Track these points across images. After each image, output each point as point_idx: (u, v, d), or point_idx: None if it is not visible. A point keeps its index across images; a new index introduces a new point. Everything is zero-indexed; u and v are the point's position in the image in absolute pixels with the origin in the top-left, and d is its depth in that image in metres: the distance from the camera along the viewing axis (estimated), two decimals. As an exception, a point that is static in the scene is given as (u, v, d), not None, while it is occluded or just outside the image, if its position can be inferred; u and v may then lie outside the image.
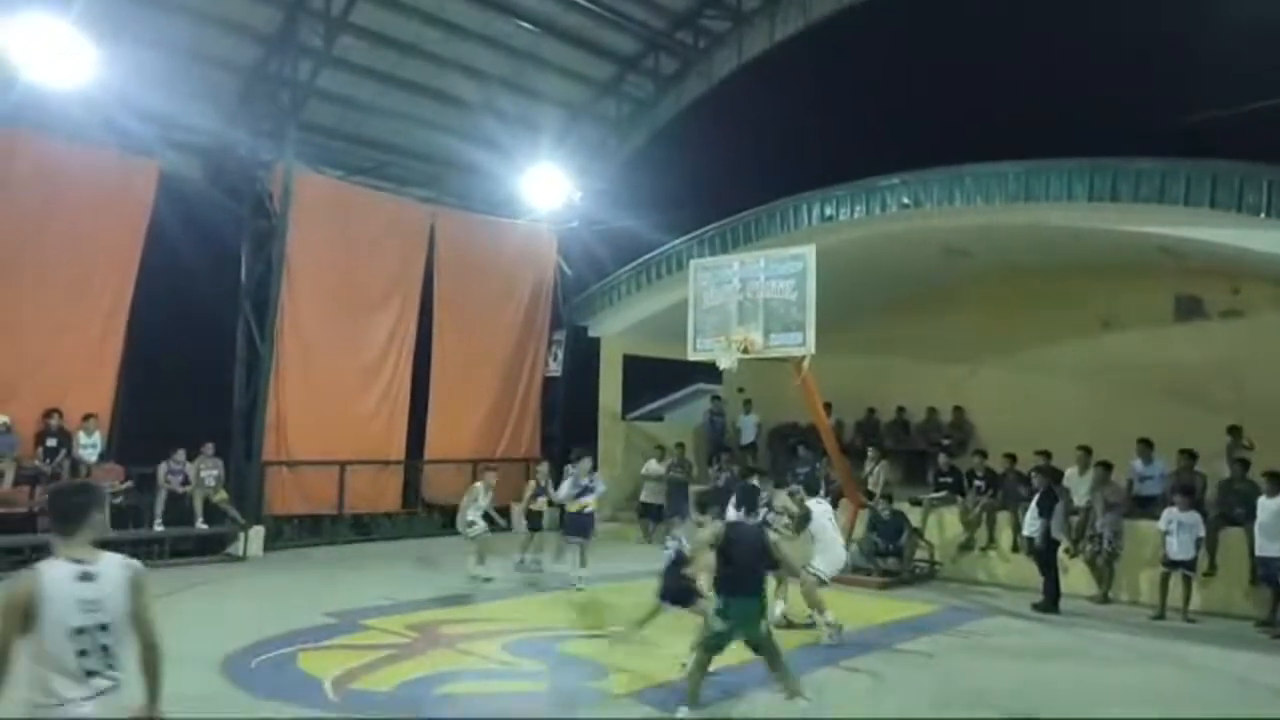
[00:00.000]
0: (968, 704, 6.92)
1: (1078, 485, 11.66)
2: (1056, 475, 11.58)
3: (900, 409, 16.48)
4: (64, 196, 12.56)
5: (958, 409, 15.75)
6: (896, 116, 18.45)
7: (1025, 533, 11.27)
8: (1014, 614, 10.50)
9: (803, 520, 9.37)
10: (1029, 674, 8.06)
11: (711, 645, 6.36)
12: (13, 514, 11.80)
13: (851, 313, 14.90)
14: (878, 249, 14.07)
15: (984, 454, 13.47)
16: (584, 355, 18.18)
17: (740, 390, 17.60)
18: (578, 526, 11.48)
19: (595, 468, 12.32)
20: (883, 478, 13.73)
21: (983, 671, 7.90)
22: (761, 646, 6.38)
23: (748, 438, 17.25)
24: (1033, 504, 11.09)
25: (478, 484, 12.09)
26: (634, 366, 18.10)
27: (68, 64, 11.70)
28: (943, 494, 13.36)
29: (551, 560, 12.50)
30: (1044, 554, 10.95)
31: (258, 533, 13.55)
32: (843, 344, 13.87)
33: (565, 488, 11.57)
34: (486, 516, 11.93)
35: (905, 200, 13.32)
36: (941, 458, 13.95)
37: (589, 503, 11.50)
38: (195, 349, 13.94)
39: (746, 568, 6.34)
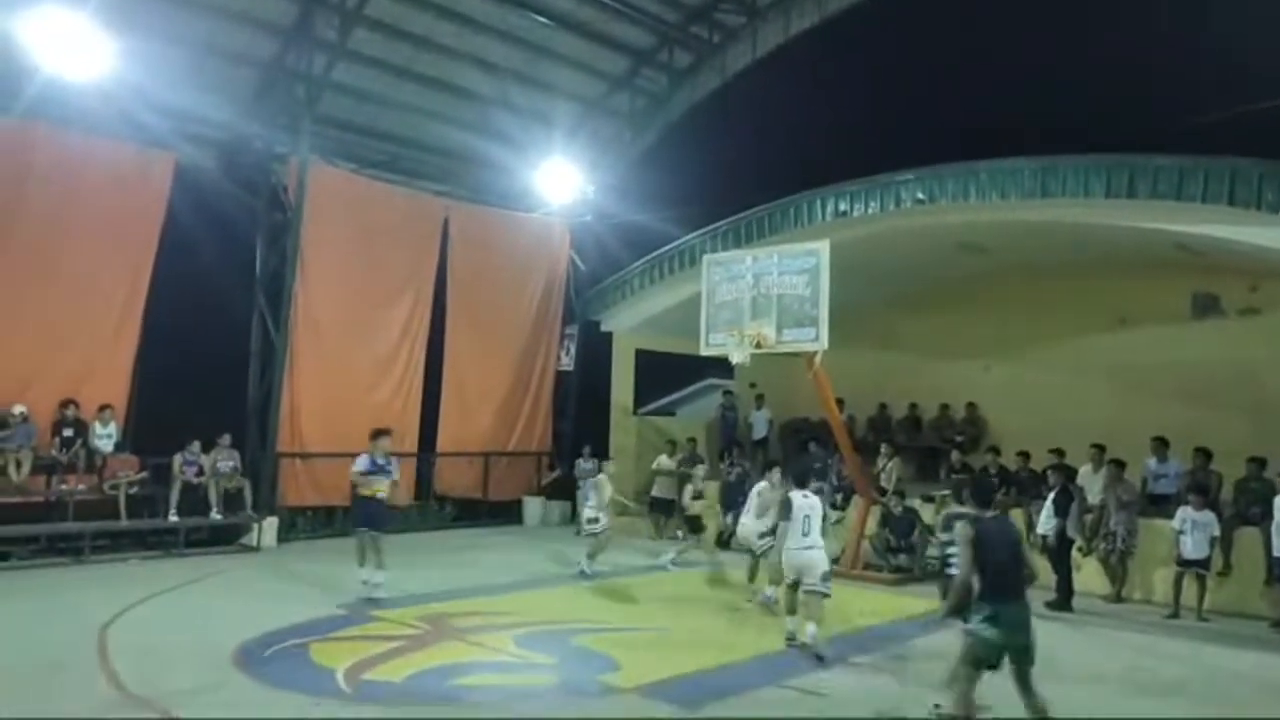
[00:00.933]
0: (979, 701, 6.87)
1: (1091, 483, 11.59)
2: (1070, 473, 11.51)
3: (913, 405, 16.43)
4: (81, 189, 12.65)
5: (971, 405, 15.70)
6: (912, 111, 18.31)
7: (1039, 530, 11.21)
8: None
9: (784, 508, 8.84)
10: (1040, 672, 8.01)
11: (981, 660, 5.62)
12: (30, 503, 11.95)
13: (865, 308, 14.86)
14: (892, 245, 14.02)
15: (997, 451, 13.42)
16: (596, 349, 18.18)
17: (752, 385, 17.57)
18: (367, 515, 9.81)
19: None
20: (895, 474, 13.70)
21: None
22: (1026, 659, 5.70)
23: (760, 433, 17.23)
24: (1048, 502, 11.03)
25: (601, 475, 12.09)
26: (646, 361, 18.08)
27: (85, 57, 11.79)
28: (948, 491, 13.30)
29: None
30: (1058, 552, 10.89)
31: (271, 523, 13.65)
32: (856, 340, 13.84)
33: (359, 463, 9.99)
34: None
35: (920, 196, 13.26)
36: (954, 454, 13.90)
37: (381, 486, 9.84)
38: (210, 340, 13.99)
39: (1008, 568, 5.68)
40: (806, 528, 8.37)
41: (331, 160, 15.19)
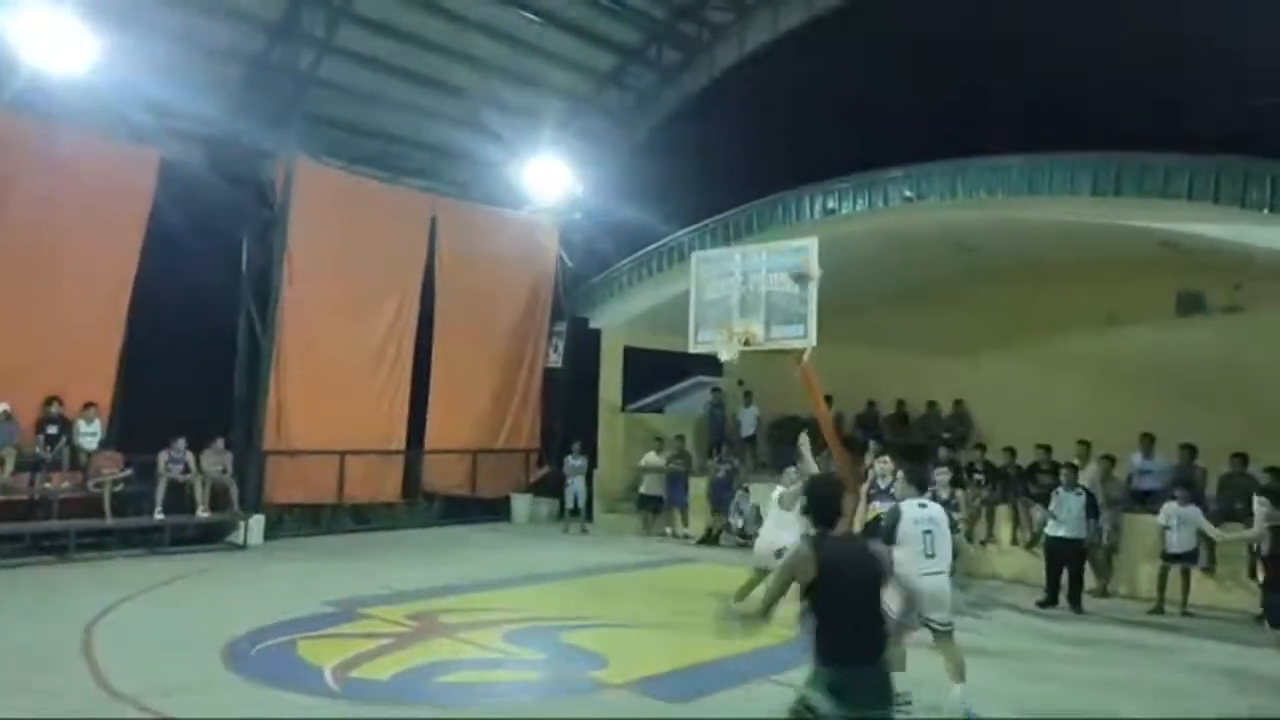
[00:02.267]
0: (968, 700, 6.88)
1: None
2: (1056, 469, 11.54)
3: (900, 402, 16.48)
4: (66, 184, 12.51)
5: (958, 402, 15.76)
6: (901, 108, 18.40)
7: (1055, 531, 10.71)
8: (1012, 608, 10.50)
9: (891, 527, 6.61)
10: (1027, 669, 8.07)
11: None
12: (14, 501, 11.86)
13: (853, 305, 14.85)
14: (880, 242, 14.05)
15: (983, 448, 13.48)
16: (585, 347, 18.18)
17: (740, 383, 17.60)
18: None
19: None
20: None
21: (979, 666, 7.86)
22: None
23: (748, 430, 17.25)
24: (1078, 504, 10.62)
25: (780, 489, 9.68)
26: (635, 358, 18.10)
27: (70, 52, 11.68)
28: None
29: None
30: (1079, 553, 10.69)
31: (258, 521, 13.57)
32: (844, 336, 13.78)
33: None
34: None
35: (908, 194, 13.29)
36: (942, 451, 13.94)
37: None
38: (197, 338, 13.94)
39: (863, 617, 3.99)
40: (929, 547, 6.49)
41: (319, 157, 15.11)
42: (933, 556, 6.48)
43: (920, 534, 6.48)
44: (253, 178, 14.57)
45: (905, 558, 6.27)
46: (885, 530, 6.58)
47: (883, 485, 9.60)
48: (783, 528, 8.91)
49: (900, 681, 6.26)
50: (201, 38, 13.52)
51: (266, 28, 14.04)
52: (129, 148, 13.26)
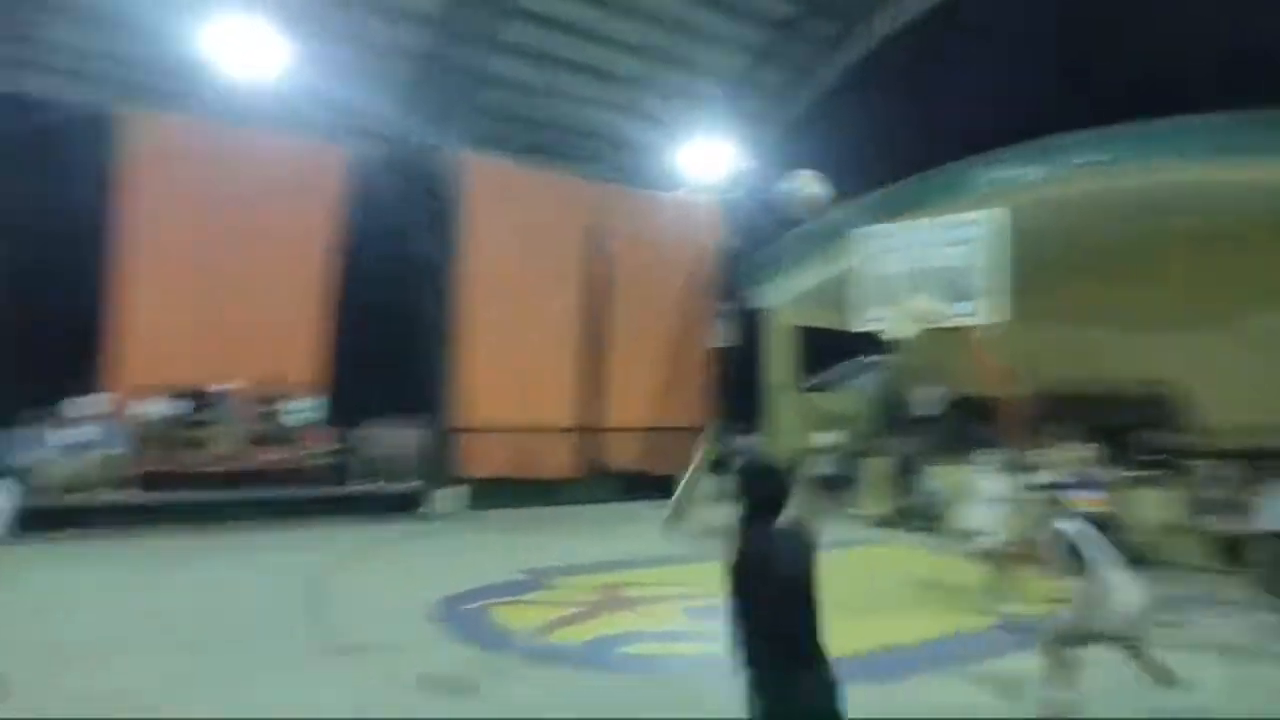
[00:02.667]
0: (1175, 699, 6.47)
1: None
2: (1272, 455, 10.58)
3: (1094, 382, 15.54)
4: (265, 184, 13.69)
5: (1157, 383, 14.70)
6: (1078, 69, 17.28)
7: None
8: (1230, 603, 9.69)
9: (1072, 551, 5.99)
10: (1242, 668, 7.51)
11: None
12: (233, 472, 13.13)
13: (1037, 280, 14.15)
14: (1059, 212, 13.30)
15: (1185, 431, 12.57)
16: (752, 326, 18.18)
17: (912, 361, 17.14)
18: None
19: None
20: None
21: (1190, 664, 7.29)
22: None
23: (925, 410, 16.76)
24: None
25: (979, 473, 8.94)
26: (802, 336, 17.93)
27: (263, 57, 12.72)
28: (1143, 473, 12.54)
29: None
30: None
31: (451, 493, 14.45)
32: (1028, 313, 13.25)
33: None
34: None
35: (1091, 159, 12.55)
36: (1141, 434, 13.08)
37: None
38: (392, 324, 14.87)
39: (774, 613, 3.53)
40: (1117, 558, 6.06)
41: (485, 148, 15.74)
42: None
43: (1104, 545, 6.00)
44: (425, 172, 15.36)
45: (1111, 577, 5.85)
46: (1071, 563, 5.96)
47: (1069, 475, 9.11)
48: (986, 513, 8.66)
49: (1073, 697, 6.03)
50: (372, 38, 14.35)
51: (435, 25, 14.72)
52: (318, 147, 14.31)
